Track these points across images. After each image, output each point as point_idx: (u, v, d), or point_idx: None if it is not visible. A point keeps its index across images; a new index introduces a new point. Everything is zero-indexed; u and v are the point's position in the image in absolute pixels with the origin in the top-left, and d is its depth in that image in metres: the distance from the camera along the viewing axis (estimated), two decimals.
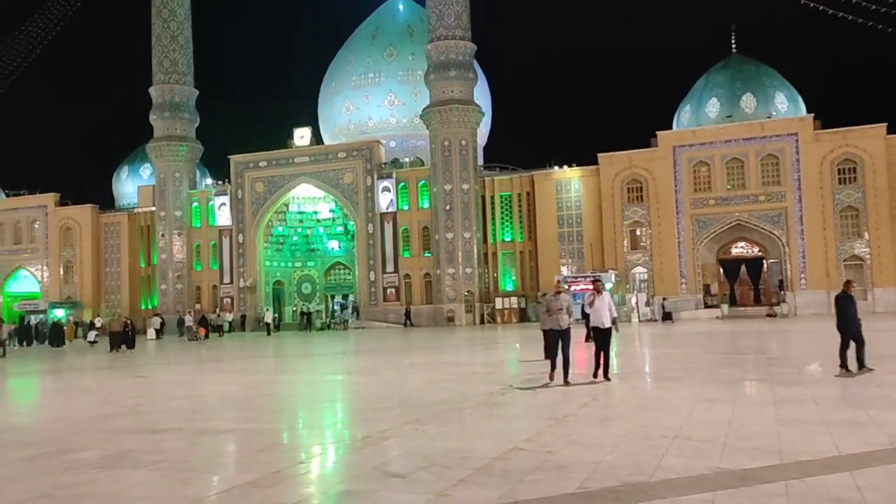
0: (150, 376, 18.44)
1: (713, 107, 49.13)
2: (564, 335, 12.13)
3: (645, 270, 44.09)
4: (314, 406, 12.03)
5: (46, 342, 39.03)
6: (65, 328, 40.64)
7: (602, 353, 12.41)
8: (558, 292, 12.61)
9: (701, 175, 43.60)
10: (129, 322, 32.66)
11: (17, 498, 5.83)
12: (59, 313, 50.36)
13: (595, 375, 12.33)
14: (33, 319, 47.70)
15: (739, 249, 45.30)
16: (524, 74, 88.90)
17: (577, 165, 47.21)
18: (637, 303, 41.08)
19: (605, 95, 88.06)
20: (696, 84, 51.28)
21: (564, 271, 44.71)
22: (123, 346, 29.41)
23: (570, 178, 46.85)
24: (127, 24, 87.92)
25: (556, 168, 47.74)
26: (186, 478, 6.55)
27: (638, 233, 44.86)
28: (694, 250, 43.28)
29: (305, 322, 47.94)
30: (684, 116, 50.74)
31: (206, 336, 39.35)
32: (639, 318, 40.00)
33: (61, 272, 56.07)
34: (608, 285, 41.57)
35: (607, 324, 12.37)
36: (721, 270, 45.29)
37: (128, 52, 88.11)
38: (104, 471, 6.83)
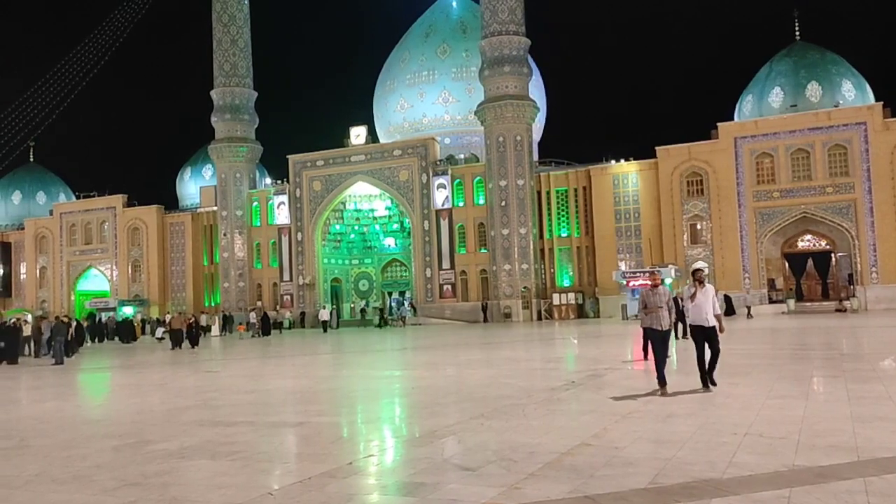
0: (219, 371, 19.01)
1: (776, 96, 47.79)
2: (666, 337, 10.66)
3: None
4: (379, 401, 12.24)
5: (116, 338, 40.60)
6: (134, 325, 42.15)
7: (702, 356, 10.47)
8: (656, 285, 10.96)
9: (764, 167, 42.47)
10: (193, 320, 33.64)
11: (108, 486, 6.14)
12: (128, 311, 52.28)
13: (705, 384, 10.44)
14: (104, 317, 49.59)
15: (806, 243, 43.98)
16: (580, 68, 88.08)
17: (634, 159, 46.58)
18: None
19: (664, 87, 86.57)
20: (759, 73, 49.95)
21: (622, 266, 44.20)
22: (186, 343, 29.48)
23: (627, 172, 46.25)
24: (189, 29, 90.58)
25: (613, 162, 47.21)
26: (264, 468, 6.79)
27: (698, 227, 44.00)
28: (757, 244, 42.21)
29: (380, 318, 48.17)
30: (746, 107, 49.48)
31: (254, 334, 39.66)
32: None
33: (129, 271, 58.17)
34: (667, 280, 40.93)
35: (711, 321, 10.41)
36: (786, 265, 44.05)
37: (191, 57, 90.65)
38: (185, 461, 7.13)
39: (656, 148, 44.77)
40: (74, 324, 28.10)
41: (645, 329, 11.05)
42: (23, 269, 62.87)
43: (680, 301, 18.29)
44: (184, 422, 9.74)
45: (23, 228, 63.08)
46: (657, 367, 10.50)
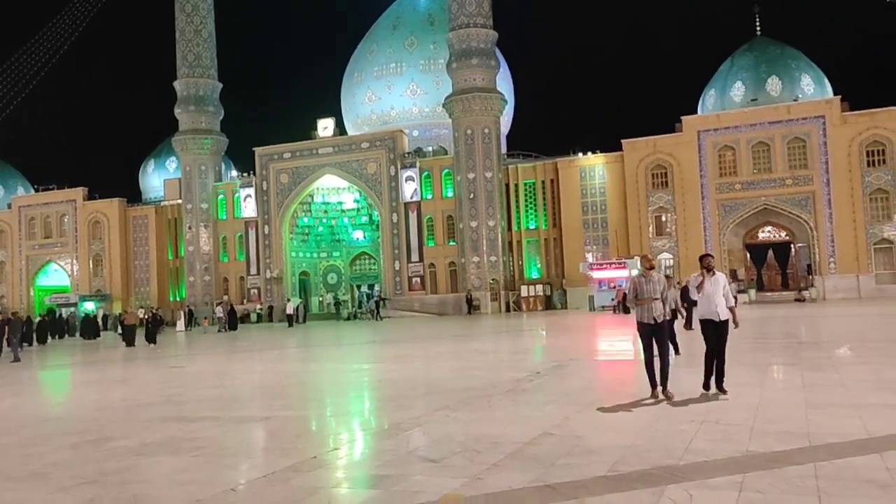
0: (184, 367, 18.81)
1: (738, 90, 48.61)
2: (659, 332, 9.06)
3: (671, 256, 43.83)
4: (346, 394, 12.24)
5: (78, 334, 39.85)
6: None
7: (713, 356, 9.07)
8: (650, 268, 9.23)
9: (726, 160, 43.19)
10: (156, 314, 32.92)
11: (65, 483, 6.07)
12: (90, 306, 51.33)
13: (706, 386, 9.07)
14: (64, 312, 48.62)
15: (766, 234, 44.89)
16: (547, 61, 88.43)
17: (601, 152, 47.02)
18: None
19: (629, 81, 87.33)
20: (721, 68, 50.75)
21: (589, 258, 44.64)
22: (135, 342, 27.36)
23: (594, 165, 46.66)
24: (152, 18, 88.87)
25: (580, 155, 47.60)
26: (226, 463, 6.77)
27: (663, 218, 44.60)
28: (720, 235, 42.93)
29: (354, 311, 48.16)
30: (709, 101, 50.23)
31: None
32: None
33: (91, 265, 57.11)
34: (633, 272, 41.49)
35: (723, 315, 9.03)
36: (748, 255, 44.92)
37: (154, 47, 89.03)
38: (146, 457, 7.07)
39: (622, 141, 45.25)
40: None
41: (638, 324, 9.24)
42: None
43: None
44: (146, 418, 9.64)
45: None
46: (647, 365, 9.07)
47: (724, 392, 8.90)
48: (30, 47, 58.45)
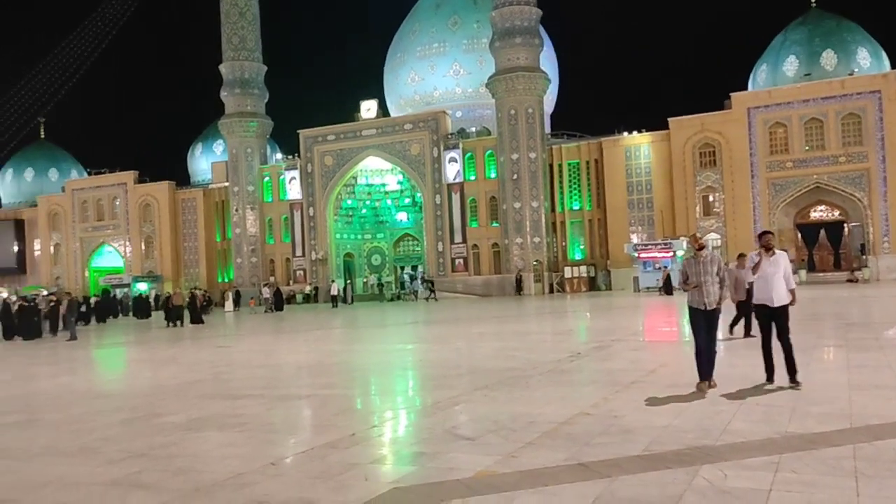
0: (231, 346, 19.27)
1: (791, 65, 47.14)
2: (711, 317, 8.22)
3: (718, 237, 42.99)
4: (387, 373, 12.40)
5: (131, 314, 41.11)
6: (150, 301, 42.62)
7: (770, 346, 8.23)
8: (700, 248, 8.35)
9: (777, 137, 42.03)
10: (205, 295, 33.75)
11: (113, 457, 6.32)
12: (142, 287, 52.81)
13: (769, 379, 8.18)
14: (119, 293, 50.12)
15: (819, 213, 43.64)
16: (592, 38, 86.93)
17: (646, 131, 46.23)
18: None
19: (677, 58, 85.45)
20: (773, 42, 49.24)
21: (634, 239, 44.09)
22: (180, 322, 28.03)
23: (639, 144, 45.92)
24: (197, 1, 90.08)
25: (626, 134, 46.85)
26: (269, 439, 6.96)
27: (711, 198, 43.74)
28: (770, 215, 41.91)
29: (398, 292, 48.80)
30: (760, 76, 48.85)
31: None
32: None
33: (142, 247, 58.66)
34: (679, 253, 40.85)
35: (779, 300, 8.13)
36: (799, 235, 43.78)
37: (202, 30, 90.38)
38: (192, 433, 7.31)
39: (669, 119, 44.39)
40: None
41: (690, 309, 8.38)
42: (37, 246, 63.55)
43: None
44: (193, 395, 9.94)
45: (36, 205, 63.64)
46: (697, 355, 8.26)
47: (798, 385, 7.89)
48: (79, 34, 59.96)
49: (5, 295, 38.02)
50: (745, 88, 47.86)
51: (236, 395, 9.71)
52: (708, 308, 8.18)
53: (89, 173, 64.83)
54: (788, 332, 8.19)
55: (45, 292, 39.63)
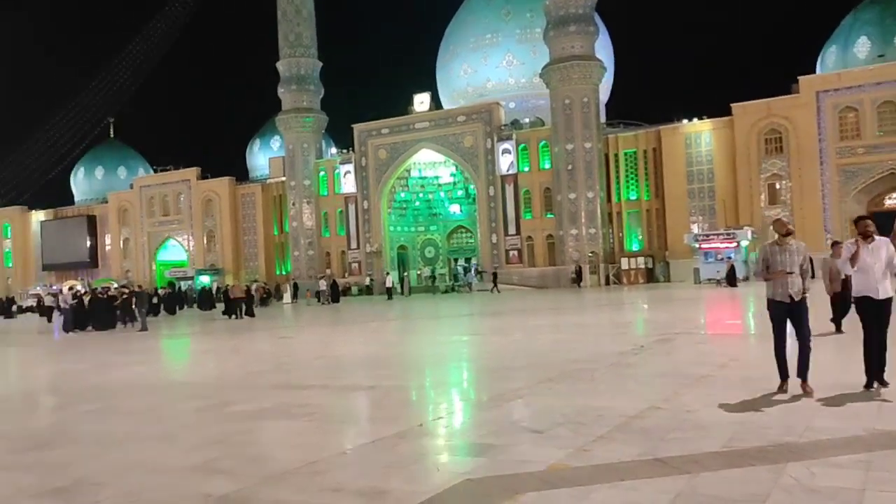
0: (291, 337, 19.57)
1: (862, 46, 45.23)
2: (796, 311, 7.39)
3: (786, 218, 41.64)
4: (446, 365, 12.39)
5: (195, 306, 42.24)
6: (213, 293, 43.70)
7: (872, 340, 7.31)
8: (787, 234, 7.48)
9: (848, 122, 40.48)
10: (265, 288, 34.38)
11: (193, 444, 6.46)
12: (205, 279, 54.21)
13: (869, 385, 7.27)
14: (183, 285, 51.56)
15: (893, 201, 41.84)
16: (649, 22, 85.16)
17: (707, 117, 45.09)
18: None
19: (739, 41, 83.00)
20: (843, 22, 47.35)
21: (695, 229, 43.09)
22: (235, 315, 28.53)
23: (700, 132, 44.83)
24: (254, 1, 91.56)
25: (685, 121, 45.81)
26: (337, 429, 7.01)
27: (777, 186, 42.46)
28: (840, 203, 40.44)
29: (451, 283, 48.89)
30: (829, 59, 47.05)
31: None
32: None
33: (205, 241, 60.20)
34: (743, 243, 39.77)
35: (884, 292, 7.27)
36: None
37: (259, 28, 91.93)
38: (263, 421, 7.43)
39: (732, 105, 43.21)
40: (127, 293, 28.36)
41: (769, 301, 7.61)
42: (107, 241, 65.87)
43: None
44: (260, 385, 10.12)
45: (106, 202, 65.92)
46: (778, 352, 7.51)
47: (886, 384, 7.23)
48: (144, 36, 61.73)
49: (79, 287, 39.50)
50: (813, 71, 46.18)
51: (301, 386, 9.83)
52: (794, 300, 7.36)
53: (155, 170, 66.81)
54: (887, 328, 7.38)
55: (115, 285, 41.07)
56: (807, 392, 7.19)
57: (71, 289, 31.79)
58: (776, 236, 7.62)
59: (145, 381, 11.66)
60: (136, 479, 5.39)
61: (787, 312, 7.45)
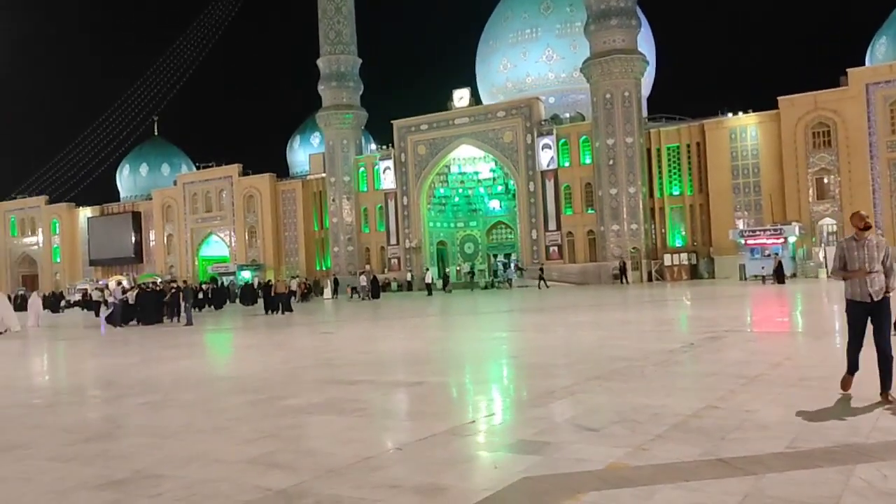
0: (333, 333, 19.70)
1: None
2: (877, 311, 6.79)
3: (834, 222, 40.65)
4: (492, 361, 12.33)
5: (238, 301, 42.82)
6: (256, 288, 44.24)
7: None
8: (865, 228, 6.86)
9: None
10: (306, 283, 34.55)
11: (248, 437, 6.52)
12: (246, 274, 54.97)
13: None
14: (225, 281, 52.35)
15: None
16: (691, 14, 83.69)
17: (752, 111, 44.15)
18: (826, 258, 38.09)
19: (784, 33, 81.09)
20: (893, 13, 45.93)
21: (740, 225, 42.26)
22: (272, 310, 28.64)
23: (745, 125, 43.94)
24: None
25: (730, 115, 44.94)
26: (389, 424, 7.01)
27: (825, 181, 41.41)
28: (892, 198, 39.31)
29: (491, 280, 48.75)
30: (879, 50, 45.70)
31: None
32: (827, 273, 37.09)
33: (246, 236, 61.04)
34: (791, 239, 38.88)
35: None
36: None
37: (299, 26, 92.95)
38: (314, 416, 7.46)
39: (779, 98, 42.25)
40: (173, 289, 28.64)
41: (848, 302, 7.03)
42: (152, 237, 67.20)
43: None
44: (308, 380, 10.19)
45: (151, 199, 67.26)
46: (850, 353, 7.05)
47: None
48: (187, 36, 62.79)
49: (125, 283, 40.39)
50: (862, 64, 44.91)
51: (349, 381, 9.87)
52: (874, 299, 6.77)
53: (197, 167, 67.95)
54: None
55: (160, 280, 41.91)
56: (891, 401, 6.59)
57: (119, 283, 32.46)
58: (854, 231, 7.01)
59: (195, 374, 11.84)
60: (194, 471, 5.45)
61: (866, 313, 6.86)
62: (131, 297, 25.09)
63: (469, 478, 5.04)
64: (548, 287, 41.45)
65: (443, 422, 6.89)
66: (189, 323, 23.83)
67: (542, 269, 44.23)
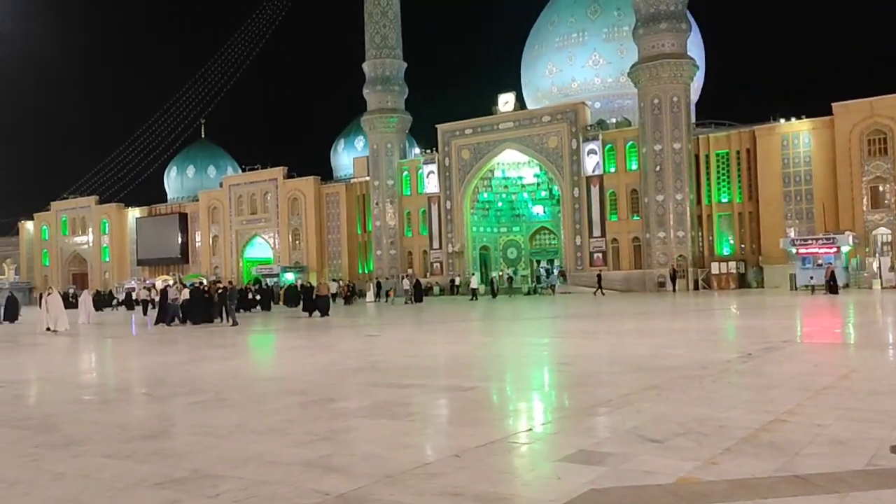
0: (378, 336, 19.66)
1: None
2: None
3: (889, 232, 39.38)
4: (543, 367, 12.11)
5: (281, 303, 43.16)
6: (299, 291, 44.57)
7: None
8: None
9: None
10: (350, 286, 34.67)
11: (302, 439, 6.44)
12: (290, 277, 55.49)
13: None
14: (269, 282, 52.89)
15: None
16: (743, 18, 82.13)
17: (805, 117, 43.05)
18: (880, 268, 36.90)
19: (839, 37, 79.08)
20: None
21: (791, 233, 41.19)
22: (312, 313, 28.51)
23: (797, 132, 42.88)
24: (341, 4, 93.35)
25: (782, 121, 43.92)
26: (444, 430, 6.87)
27: (881, 189, 40.16)
28: None
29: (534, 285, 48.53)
30: None
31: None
32: (881, 284, 35.93)
33: (290, 239, 61.67)
34: (844, 248, 37.75)
35: None
36: None
37: (342, 32, 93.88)
38: (367, 419, 7.35)
39: (833, 104, 41.15)
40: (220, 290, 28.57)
41: None
42: (198, 238, 68.36)
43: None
44: (357, 382, 10.11)
45: (197, 200, 68.46)
46: None
47: None
48: (236, 39, 63.85)
49: (171, 283, 41.05)
50: None
51: (399, 384, 9.76)
52: None
53: (243, 169, 68.94)
54: None
55: (205, 280, 42.51)
56: None
57: (174, 283, 32.94)
58: None
59: (244, 374, 11.87)
60: (252, 472, 5.38)
61: None
62: (183, 295, 25.43)
63: (533, 488, 4.87)
64: (604, 294, 40.69)
65: (499, 429, 6.74)
66: (234, 323, 24.06)
67: (599, 276, 43.37)
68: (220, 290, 26.11)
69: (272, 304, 42.98)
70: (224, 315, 25.90)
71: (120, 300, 54.91)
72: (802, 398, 7.71)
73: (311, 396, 8.85)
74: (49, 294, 24.67)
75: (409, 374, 11.01)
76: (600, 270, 44.91)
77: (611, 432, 6.52)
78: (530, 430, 6.69)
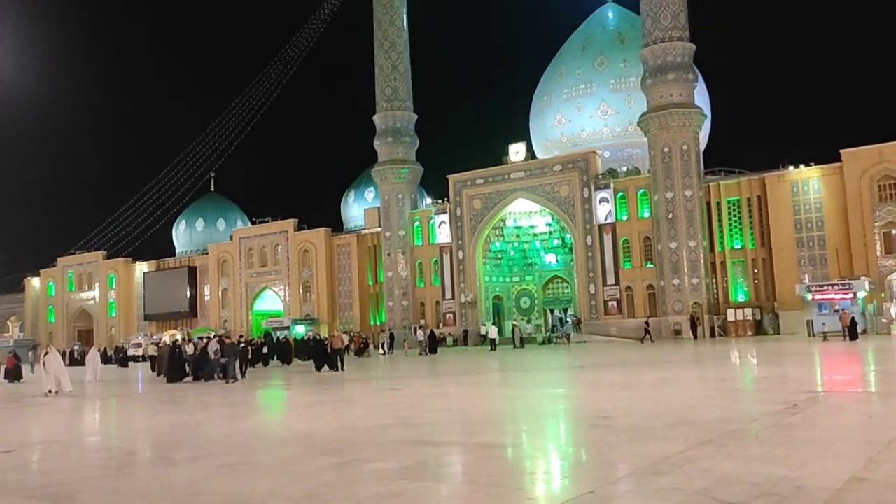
0: (401, 389, 19.11)
1: None
2: None
3: None
4: (582, 421, 11.58)
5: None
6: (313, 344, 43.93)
7: None
8: None
9: None
10: (362, 337, 34.00)
11: None
12: (300, 329, 54.88)
13: None
14: (279, 335, 52.24)
15: None
16: (748, 65, 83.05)
17: (815, 164, 43.01)
18: None
19: (845, 84, 79.72)
20: None
21: (805, 279, 40.67)
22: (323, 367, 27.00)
23: (808, 179, 42.79)
24: (349, 59, 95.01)
25: (791, 168, 43.86)
26: (499, 494, 6.41)
27: (894, 234, 39.77)
28: None
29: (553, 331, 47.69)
30: None
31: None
32: None
33: (301, 291, 61.29)
34: (860, 294, 37.20)
35: None
36: None
37: (351, 85, 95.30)
38: (411, 482, 6.90)
39: (841, 151, 41.12)
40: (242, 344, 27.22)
41: None
42: (207, 291, 67.97)
43: None
44: (390, 440, 9.64)
45: (206, 253, 68.37)
46: None
47: None
48: (244, 96, 64.75)
49: (178, 338, 40.52)
50: None
51: (435, 442, 9.32)
52: None
53: (253, 222, 69.03)
54: None
55: (213, 335, 41.96)
56: None
57: (190, 339, 31.92)
58: None
59: (268, 433, 11.41)
60: None
61: None
62: (212, 349, 24.13)
63: None
64: (653, 342, 39.85)
65: (559, 490, 6.30)
66: (234, 380, 22.96)
67: (647, 323, 42.22)
68: (242, 345, 25.35)
69: (275, 357, 42.23)
70: (238, 370, 24.87)
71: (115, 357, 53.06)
72: (872, 452, 7.25)
73: (344, 457, 8.40)
74: (47, 354, 22.73)
75: (443, 430, 10.56)
76: (647, 318, 43.72)
77: (683, 494, 6.05)
78: (592, 492, 6.22)
